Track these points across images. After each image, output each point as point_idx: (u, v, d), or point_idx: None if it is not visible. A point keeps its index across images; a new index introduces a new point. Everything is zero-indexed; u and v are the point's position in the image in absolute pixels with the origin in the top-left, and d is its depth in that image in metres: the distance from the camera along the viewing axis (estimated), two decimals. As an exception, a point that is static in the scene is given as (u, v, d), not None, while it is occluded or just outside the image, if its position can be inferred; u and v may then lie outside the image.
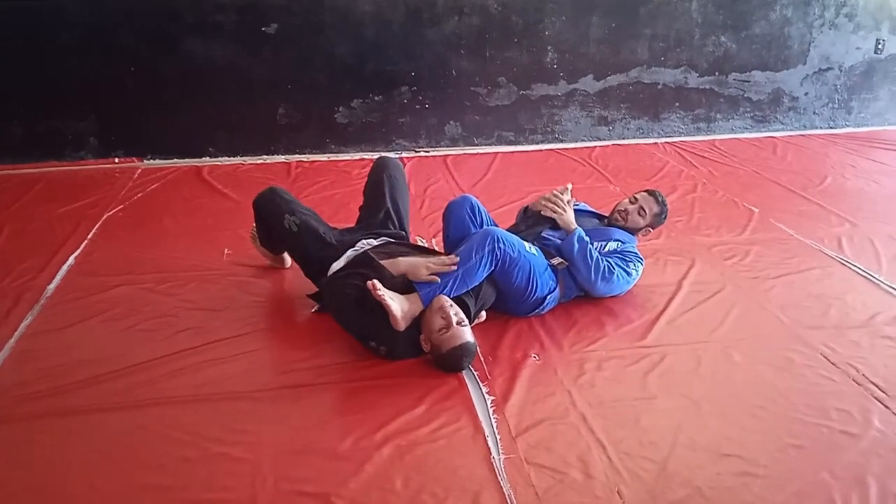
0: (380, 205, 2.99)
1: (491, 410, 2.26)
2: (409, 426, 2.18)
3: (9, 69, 4.47)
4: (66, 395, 2.34)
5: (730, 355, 2.58)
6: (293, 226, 2.78)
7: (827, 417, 2.24)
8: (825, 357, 2.56)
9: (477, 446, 2.11)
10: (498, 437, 2.14)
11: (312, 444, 2.12)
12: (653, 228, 3.16)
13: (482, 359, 2.53)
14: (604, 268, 2.84)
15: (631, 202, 3.11)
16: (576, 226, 2.93)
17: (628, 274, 2.92)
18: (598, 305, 2.90)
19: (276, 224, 2.82)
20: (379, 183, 3.04)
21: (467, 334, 2.41)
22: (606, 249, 2.97)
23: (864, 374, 2.45)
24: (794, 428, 2.20)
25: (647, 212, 3.08)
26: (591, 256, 2.83)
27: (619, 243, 3.02)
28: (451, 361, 2.40)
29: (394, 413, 2.23)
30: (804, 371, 2.50)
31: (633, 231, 3.11)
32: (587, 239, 2.88)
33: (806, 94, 5.50)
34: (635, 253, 3.01)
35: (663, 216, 3.14)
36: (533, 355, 2.57)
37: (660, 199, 3.12)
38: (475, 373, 2.45)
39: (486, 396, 2.33)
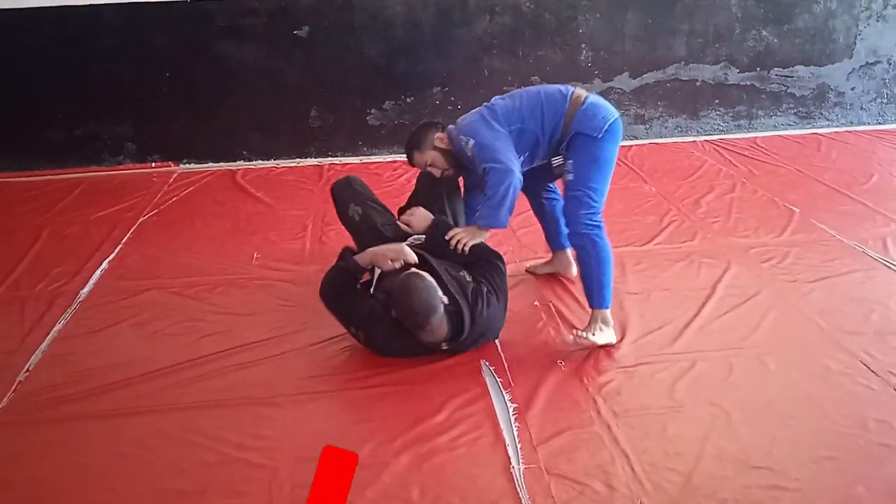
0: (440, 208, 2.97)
1: (513, 418, 2.22)
2: (429, 434, 2.15)
3: (48, 75, 4.58)
4: (92, 399, 2.38)
5: (764, 362, 2.49)
6: (356, 215, 2.92)
7: (864, 428, 2.15)
8: (865, 364, 2.45)
9: (497, 455, 2.07)
10: (519, 447, 2.10)
11: (331, 451, 2.10)
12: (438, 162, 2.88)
13: (506, 365, 2.49)
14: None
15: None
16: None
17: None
18: (627, 309, 2.84)
19: (343, 211, 2.98)
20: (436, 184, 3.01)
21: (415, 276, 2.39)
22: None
23: (905, 383, 2.34)
24: (828, 439, 2.11)
25: (433, 164, 2.88)
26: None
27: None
28: (398, 292, 2.37)
29: (413, 420, 2.21)
30: (842, 379, 2.40)
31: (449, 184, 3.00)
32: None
33: (853, 88, 5.31)
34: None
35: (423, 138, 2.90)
36: (559, 362, 2.52)
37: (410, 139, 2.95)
38: (498, 380, 2.41)
39: (509, 404, 2.29)
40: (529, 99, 2.77)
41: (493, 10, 4.76)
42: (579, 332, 2.60)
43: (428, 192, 3.01)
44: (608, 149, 2.69)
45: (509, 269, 3.14)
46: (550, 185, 3.05)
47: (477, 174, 2.83)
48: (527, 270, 3.20)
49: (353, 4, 4.65)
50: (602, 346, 2.59)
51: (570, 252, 3.09)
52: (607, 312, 2.65)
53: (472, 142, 2.70)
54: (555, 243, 3.13)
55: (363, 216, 2.90)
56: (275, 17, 4.62)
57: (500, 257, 2.69)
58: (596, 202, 2.66)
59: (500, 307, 2.59)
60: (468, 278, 2.56)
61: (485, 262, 2.65)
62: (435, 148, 2.85)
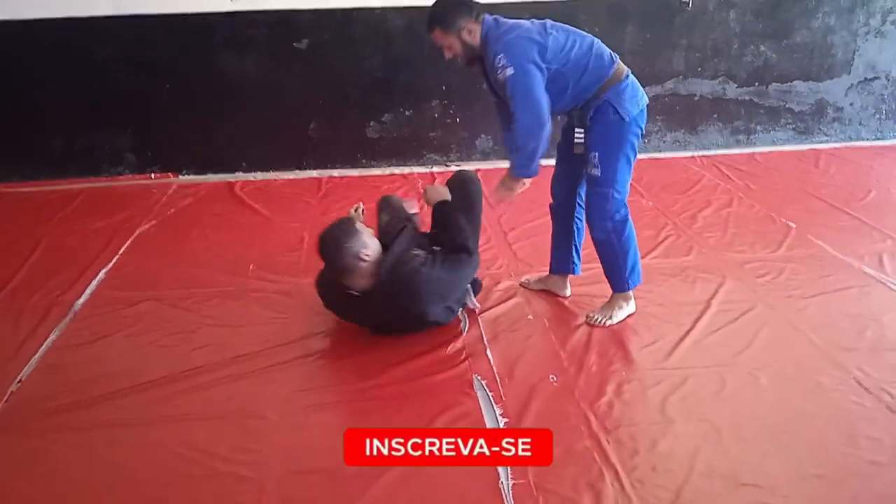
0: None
1: (503, 433, 2.21)
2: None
3: (49, 85, 4.61)
4: (84, 410, 2.39)
5: (756, 378, 2.48)
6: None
7: (855, 445, 2.14)
8: (857, 381, 2.44)
9: (486, 471, 2.06)
10: (508, 462, 2.09)
11: (319, 464, 2.10)
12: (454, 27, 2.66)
13: (498, 379, 2.49)
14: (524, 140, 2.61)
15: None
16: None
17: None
18: (621, 324, 2.83)
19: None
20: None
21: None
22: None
23: (898, 400, 2.33)
24: (819, 456, 2.10)
25: (450, 48, 2.71)
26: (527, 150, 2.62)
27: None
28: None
29: (403, 434, 2.20)
30: (834, 395, 2.39)
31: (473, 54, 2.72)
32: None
33: (851, 104, 5.32)
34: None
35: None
36: (551, 376, 2.51)
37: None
38: (489, 393, 2.41)
39: (500, 418, 2.28)
40: (580, 46, 2.63)
41: (493, 24, 4.77)
42: (597, 317, 2.81)
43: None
44: (634, 138, 2.68)
45: (503, 283, 3.18)
46: (581, 203, 2.93)
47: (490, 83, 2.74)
48: (521, 284, 3.19)
49: (353, 17, 4.68)
50: (595, 361, 2.59)
51: (570, 277, 3.09)
52: (630, 292, 2.81)
53: (509, 70, 2.53)
54: (562, 267, 3.07)
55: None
56: (275, 30, 4.65)
57: (467, 250, 2.74)
58: (621, 194, 2.71)
59: (437, 278, 2.62)
60: (419, 252, 2.68)
61: (452, 248, 2.74)
62: (460, 36, 2.66)
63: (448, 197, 2.89)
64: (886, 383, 2.42)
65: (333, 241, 2.59)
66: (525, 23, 2.64)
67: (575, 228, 3.00)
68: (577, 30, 2.70)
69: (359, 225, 2.68)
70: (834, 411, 2.31)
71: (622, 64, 2.69)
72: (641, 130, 2.71)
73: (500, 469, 2.06)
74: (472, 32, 2.66)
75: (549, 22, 2.67)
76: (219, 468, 2.08)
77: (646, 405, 2.36)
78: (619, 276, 2.83)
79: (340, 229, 2.63)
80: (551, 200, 3.02)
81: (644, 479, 2.01)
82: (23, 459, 2.17)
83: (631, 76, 2.68)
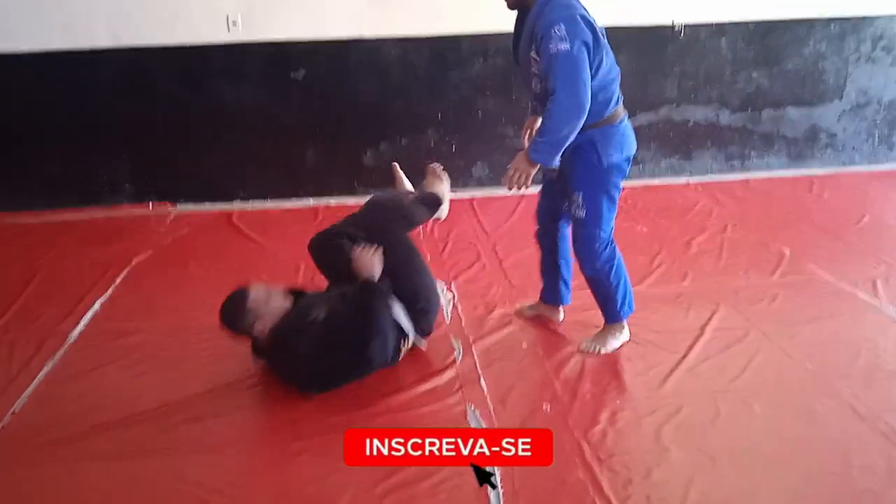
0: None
1: (496, 463, 2.21)
2: (410, 480, 2.14)
3: (46, 116, 4.64)
4: (77, 442, 2.39)
5: (750, 406, 2.48)
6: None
7: (849, 474, 2.14)
8: (852, 408, 2.44)
9: (479, 502, 2.06)
10: (501, 492, 2.08)
11: (310, 498, 2.09)
12: None
13: (491, 408, 2.48)
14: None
15: None
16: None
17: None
18: (615, 351, 2.84)
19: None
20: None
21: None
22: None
23: (892, 427, 2.33)
24: (813, 484, 2.10)
25: None
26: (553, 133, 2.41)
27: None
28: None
29: (395, 466, 2.19)
30: (829, 422, 2.39)
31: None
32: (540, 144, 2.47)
33: (844, 129, 5.35)
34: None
35: None
36: (544, 405, 2.51)
37: None
38: (482, 423, 2.40)
39: (492, 448, 2.27)
40: (608, 73, 2.49)
41: (487, 52, 4.83)
42: (591, 346, 2.81)
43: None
44: (617, 180, 2.61)
45: (498, 311, 3.19)
46: (564, 234, 2.89)
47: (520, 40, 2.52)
48: (515, 313, 3.18)
49: (349, 48, 4.73)
50: (588, 389, 2.59)
51: (563, 308, 3.09)
52: (624, 321, 2.81)
53: (564, 45, 2.28)
54: (554, 298, 3.06)
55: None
56: (272, 60, 4.69)
57: (366, 357, 2.55)
58: (606, 232, 2.67)
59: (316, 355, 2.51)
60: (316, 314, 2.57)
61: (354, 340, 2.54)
62: None
63: (376, 273, 2.64)
64: (881, 410, 2.42)
65: (226, 316, 2.62)
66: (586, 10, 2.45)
67: (561, 261, 2.96)
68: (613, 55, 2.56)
69: (253, 297, 2.59)
70: (828, 439, 2.31)
71: (622, 107, 2.59)
72: (624, 174, 2.63)
73: (493, 500, 2.05)
74: None
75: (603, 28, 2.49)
76: (211, 502, 2.07)
77: (640, 434, 2.36)
78: (612, 309, 2.82)
79: (231, 306, 2.62)
80: (536, 227, 3.00)
81: (638, 509, 2.01)
82: (16, 491, 2.17)
83: (626, 121, 2.59)
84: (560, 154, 2.46)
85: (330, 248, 2.80)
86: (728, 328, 3.01)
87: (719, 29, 5.00)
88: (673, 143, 5.20)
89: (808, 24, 5.06)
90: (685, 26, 4.94)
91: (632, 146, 2.62)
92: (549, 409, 2.48)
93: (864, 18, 5.09)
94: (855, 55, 5.17)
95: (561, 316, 3.08)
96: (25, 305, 3.42)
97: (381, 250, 2.67)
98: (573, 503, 2.04)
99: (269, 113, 4.79)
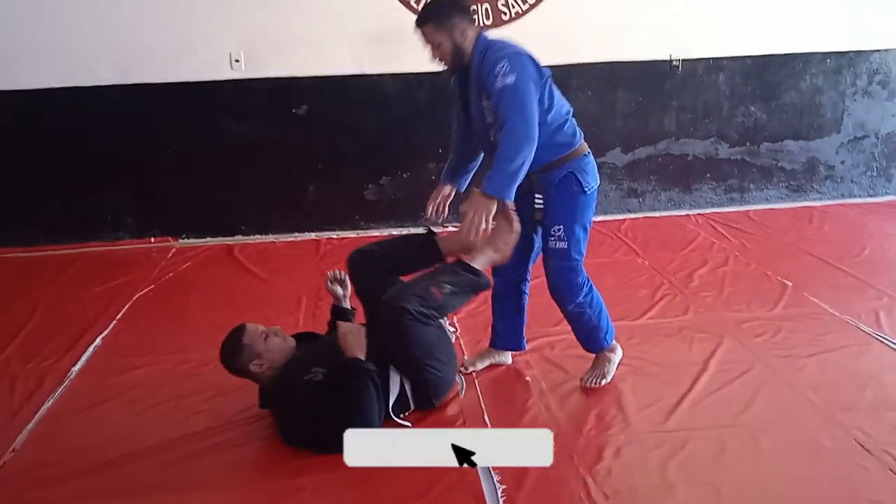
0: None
1: (501, 501, 2.18)
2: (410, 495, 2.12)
3: (49, 152, 4.69)
4: (79, 479, 2.35)
5: (757, 440, 2.46)
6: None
7: (859, 510, 2.11)
8: (859, 443, 2.42)
9: (483, 538, 2.04)
10: (506, 525, 2.06)
11: (316, 534, 2.07)
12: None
13: (496, 444, 2.46)
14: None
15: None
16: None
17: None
18: (619, 385, 2.82)
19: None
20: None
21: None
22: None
23: (900, 462, 2.31)
24: (822, 521, 2.08)
25: (439, 47, 2.54)
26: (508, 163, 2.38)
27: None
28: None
29: (400, 502, 2.17)
30: (836, 457, 2.36)
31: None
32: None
33: (842, 162, 5.40)
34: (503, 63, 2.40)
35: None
36: (549, 440, 2.49)
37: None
38: (487, 459, 2.38)
39: (497, 486, 2.25)
40: (561, 105, 2.58)
41: (488, 88, 4.88)
42: (591, 380, 2.80)
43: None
44: (593, 210, 2.68)
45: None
46: (528, 276, 2.89)
47: (468, 97, 2.60)
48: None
49: (351, 84, 4.79)
50: (593, 424, 2.58)
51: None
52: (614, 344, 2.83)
53: (511, 78, 2.35)
54: (510, 344, 2.99)
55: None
56: (275, 96, 4.75)
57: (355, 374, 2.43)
58: (580, 262, 2.69)
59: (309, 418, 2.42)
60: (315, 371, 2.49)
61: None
62: (452, 36, 2.50)
63: (362, 353, 2.52)
64: (888, 444, 2.40)
65: (224, 354, 2.59)
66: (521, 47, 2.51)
67: (523, 301, 2.93)
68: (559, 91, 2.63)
69: (249, 334, 2.56)
70: (836, 474, 2.28)
71: (584, 143, 2.65)
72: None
73: (499, 538, 2.03)
74: (465, 35, 2.51)
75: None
76: (213, 540, 2.05)
77: (645, 469, 2.34)
78: (598, 337, 2.79)
79: (227, 344, 2.58)
80: (496, 280, 2.85)
81: (645, 546, 1.98)
82: (14, 532, 2.14)
83: (591, 156, 2.66)
84: (516, 186, 2.43)
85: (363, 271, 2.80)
86: (732, 361, 3.00)
87: (717, 64, 5.08)
88: (673, 177, 5.24)
89: (804, 59, 5.14)
90: (683, 61, 5.01)
91: (598, 178, 2.69)
92: (553, 445, 2.45)
93: (859, 53, 5.18)
94: (852, 89, 5.24)
95: (510, 358, 3.04)
96: (27, 341, 3.41)
97: (364, 330, 2.61)
98: (580, 541, 2.02)
99: (271, 148, 4.84)
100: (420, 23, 2.54)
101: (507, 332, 2.99)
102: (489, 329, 3.23)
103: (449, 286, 2.55)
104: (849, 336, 3.21)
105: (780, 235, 4.69)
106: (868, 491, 2.19)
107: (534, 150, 2.40)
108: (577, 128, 2.66)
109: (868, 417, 2.57)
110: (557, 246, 2.63)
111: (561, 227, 2.62)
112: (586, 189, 2.61)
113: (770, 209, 5.28)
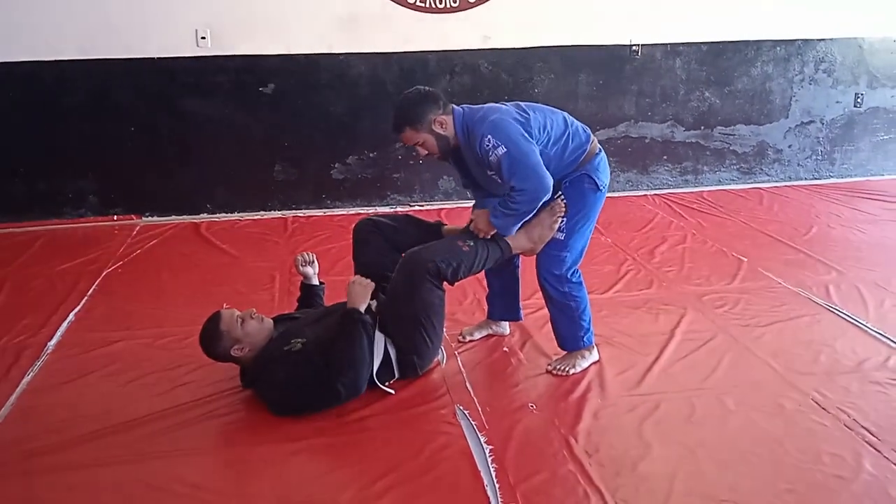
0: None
1: (490, 460, 2.28)
2: (409, 477, 2.20)
3: (9, 129, 4.58)
4: (66, 451, 2.35)
5: (723, 402, 2.62)
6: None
7: (819, 462, 2.28)
8: (816, 403, 2.60)
9: (477, 496, 2.13)
10: (497, 487, 2.16)
11: (313, 496, 2.13)
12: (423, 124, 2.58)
13: (480, 409, 2.56)
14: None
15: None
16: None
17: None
18: (592, 355, 2.95)
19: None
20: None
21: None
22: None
23: (854, 419, 2.49)
24: (787, 473, 2.23)
25: (424, 145, 2.64)
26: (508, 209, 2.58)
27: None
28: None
29: (393, 464, 2.25)
30: (796, 416, 2.53)
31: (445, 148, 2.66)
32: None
33: (790, 146, 5.65)
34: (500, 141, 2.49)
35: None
36: (530, 405, 2.60)
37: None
38: (473, 423, 2.48)
39: (485, 446, 2.35)
40: (556, 123, 2.62)
41: (453, 70, 4.96)
42: (559, 367, 2.80)
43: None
44: (598, 208, 2.77)
45: (477, 316, 3.27)
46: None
47: (470, 171, 2.71)
48: (459, 340, 3.07)
49: (318, 63, 4.80)
50: (570, 389, 2.70)
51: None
52: (592, 346, 2.86)
53: (501, 149, 2.45)
54: (509, 314, 3.09)
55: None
56: (241, 75, 4.73)
57: (334, 389, 2.49)
58: (575, 260, 2.78)
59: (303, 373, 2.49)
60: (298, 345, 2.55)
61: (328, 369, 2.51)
62: (432, 131, 2.59)
63: (363, 305, 2.61)
64: (842, 404, 2.58)
65: (203, 342, 2.62)
66: (499, 105, 2.63)
67: (517, 273, 3.02)
68: (547, 106, 2.72)
69: (225, 321, 2.59)
70: (797, 431, 2.45)
71: (595, 139, 2.73)
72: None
73: (490, 494, 2.12)
74: (443, 124, 2.58)
75: (521, 103, 2.65)
76: (213, 501, 2.10)
77: (622, 430, 2.47)
78: (576, 334, 2.81)
79: (206, 332, 2.60)
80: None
81: (629, 498, 2.11)
82: (9, 503, 2.14)
83: (602, 151, 2.74)
84: (519, 225, 2.65)
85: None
86: (696, 331, 3.16)
87: (674, 49, 5.25)
88: (631, 159, 5.40)
89: (756, 46, 5.35)
90: (642, 46, 5.16)
91: (609, 173, 2.80)
92: (535, 408, 2.57)
93: (807, 41, 5.40)
94: (799, 76, 5.48)
95: (508, 328, 3.15)
96: (-3, 316, 3.36)
97: (371, 286, 2.66)
98: (567, 494, 2.13)
99: (238, 126, 4.82)
100: (397, 130, 2.64)
101: (503, 304, 3.08)
102: (463, 304, 3.33)
103: (473, 242, 2.69)
104: (802, 307, 3.41)
105: (733, 215, 4.90)
106: (827, 445, 2.36)
107: (550, 191, 2.53)
108: (581, 128, 2.70)
109: (823, 380, 2.76)
110: (556, 235, 2.72)
111: (565, 219, 2.71)
112: (599, 186, 2.70)
113: (722, 190, 5.50)
